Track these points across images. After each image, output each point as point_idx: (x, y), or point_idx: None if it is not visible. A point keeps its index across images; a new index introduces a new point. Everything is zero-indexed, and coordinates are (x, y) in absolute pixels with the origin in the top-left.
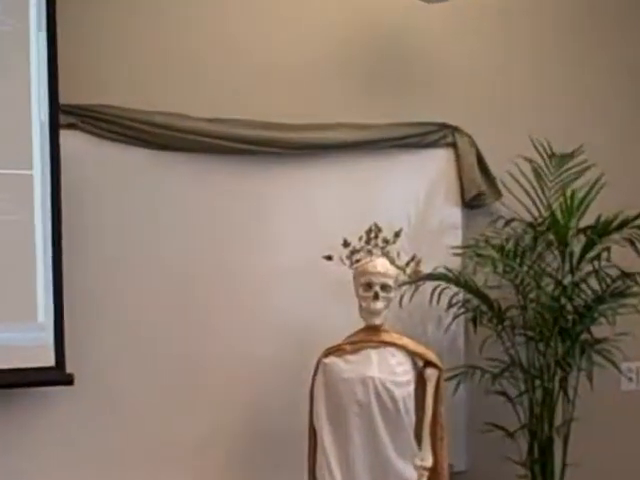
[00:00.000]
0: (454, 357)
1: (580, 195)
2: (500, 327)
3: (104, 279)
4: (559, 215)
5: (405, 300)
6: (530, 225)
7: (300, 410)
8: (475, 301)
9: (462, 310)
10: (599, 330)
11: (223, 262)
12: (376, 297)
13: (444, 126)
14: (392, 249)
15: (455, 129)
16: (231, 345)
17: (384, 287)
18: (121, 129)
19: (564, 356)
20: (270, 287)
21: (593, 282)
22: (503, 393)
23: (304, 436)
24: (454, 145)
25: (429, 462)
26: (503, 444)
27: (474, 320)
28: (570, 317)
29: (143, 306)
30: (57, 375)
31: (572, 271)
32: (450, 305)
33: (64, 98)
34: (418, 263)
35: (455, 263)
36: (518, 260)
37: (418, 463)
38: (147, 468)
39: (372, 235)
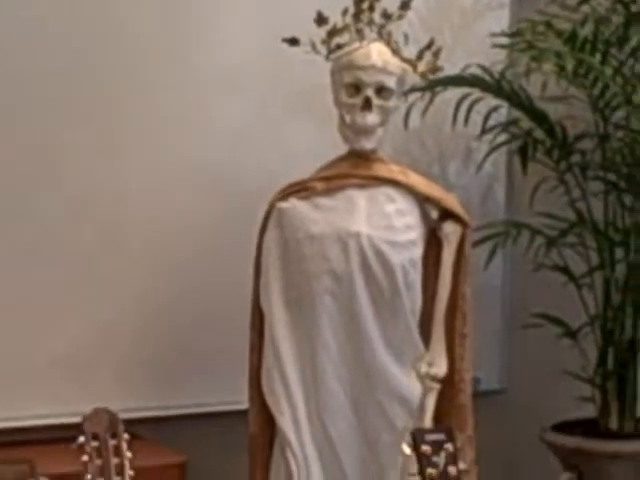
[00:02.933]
0: (489, 209)
1: None
2: (564, 165)
3: None
4: None
5: (414, 117)
6: (620, 1)
7: (239, 285)
8: (526, 122)
9: (504, 137)
10: None
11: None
12: (367, 105)
13: None
14: (396, 30)
15: None
16: (133, 186)
17: (381, 90)
18: None
19: None
20: (193, 95)
21: None
22: (563, 268)
23: (244, 327)
24: None
25: (442, 369)
26: (560, 348)
27: (523, 153)
28: None
29: None
30: None
31: None
32: (485, 128)
33: None
34: (437, 54)
35: (496, 59)
36: (599, 57)
37: (424, 370)
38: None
39: (364, 6)
